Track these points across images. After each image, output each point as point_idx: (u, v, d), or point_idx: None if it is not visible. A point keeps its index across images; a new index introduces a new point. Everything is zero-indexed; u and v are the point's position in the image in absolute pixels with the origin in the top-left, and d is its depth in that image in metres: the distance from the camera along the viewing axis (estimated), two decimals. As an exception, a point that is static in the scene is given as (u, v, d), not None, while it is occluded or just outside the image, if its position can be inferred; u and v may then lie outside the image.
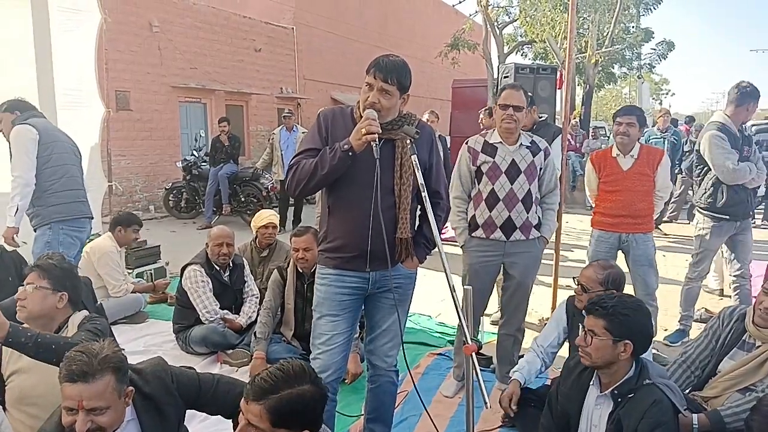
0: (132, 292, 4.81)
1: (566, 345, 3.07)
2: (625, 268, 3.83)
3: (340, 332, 2.43)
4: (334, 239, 2.40)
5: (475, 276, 3.29)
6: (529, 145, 3.25)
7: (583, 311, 2.25)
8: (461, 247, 3.38)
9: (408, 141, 2.29)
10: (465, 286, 2.11)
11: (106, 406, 1.79)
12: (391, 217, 2.33)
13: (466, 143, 3.36)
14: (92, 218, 4.15)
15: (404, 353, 2.44)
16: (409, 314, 4.89)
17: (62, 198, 3.82)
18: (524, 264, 3.29)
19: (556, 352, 3.02)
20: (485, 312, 3.92)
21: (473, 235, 3.30)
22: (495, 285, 3.55)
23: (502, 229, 3.21)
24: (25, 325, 2.24)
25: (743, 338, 2.63)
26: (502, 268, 3.36)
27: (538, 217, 3.30)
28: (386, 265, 2.35)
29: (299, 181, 2.30)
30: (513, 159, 3.21)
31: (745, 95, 4.04)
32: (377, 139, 2.17)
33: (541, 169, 3.27)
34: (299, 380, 1.65)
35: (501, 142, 3.24)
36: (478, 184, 3.28)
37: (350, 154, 2.20)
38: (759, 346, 2.55)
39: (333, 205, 2.40)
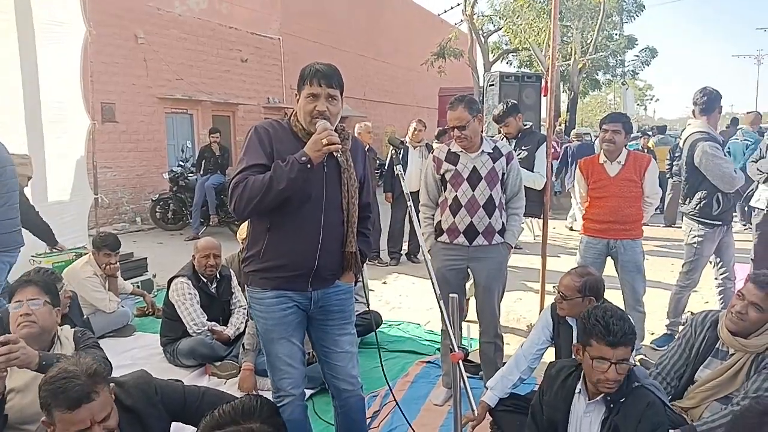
0: (130, 293, 5.16)
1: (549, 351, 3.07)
2: (613, 274, 3.89)
3: (297, 350, 2.36)
4: (274, 258, 2.25)
5: (443, 280, 3.28)
6: (491, 151, 3.30)
7: (614, 344, 2.11)
8: (428, 252, 3.39)
9: (393, 150, 2.30)
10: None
11: (110, 410, 1.88)
12: (340, 233, 2.28)
13: (431, 152, 3.40)
14: (23, 245, 3.95)
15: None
16: (398, 322, 5.00)
17: (1, 228, 3.66)
18: (488, 269, 3.32)
19: (542, 356, 3.02)
20: (474, 319, 3.92)
21: (439, 240, 3.37)
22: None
23: (465, 234, 3.27)
24: (22, 343, 2.23)
25: (716, 346, 2.58)
26: (471, 274, 3.39)
27: (502, 223, 3.34)
28: (327, 284, 2.34)
29: (250, 199, 2.11)
30: (474, 166, 3.27)
31: (714, 99, 4.11)
32: (339, 150, 2.13)
33: (504, 174, 3.31)
34: (247, 417, 1.67)
35: (463, 150, 3.30)
36: (444, 192, 3.36)
37: (308, 166, 2.08)
38: (732, 354, 2.51)
39: (275, 222, 2.23)
